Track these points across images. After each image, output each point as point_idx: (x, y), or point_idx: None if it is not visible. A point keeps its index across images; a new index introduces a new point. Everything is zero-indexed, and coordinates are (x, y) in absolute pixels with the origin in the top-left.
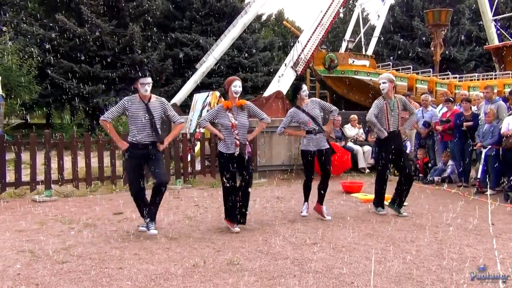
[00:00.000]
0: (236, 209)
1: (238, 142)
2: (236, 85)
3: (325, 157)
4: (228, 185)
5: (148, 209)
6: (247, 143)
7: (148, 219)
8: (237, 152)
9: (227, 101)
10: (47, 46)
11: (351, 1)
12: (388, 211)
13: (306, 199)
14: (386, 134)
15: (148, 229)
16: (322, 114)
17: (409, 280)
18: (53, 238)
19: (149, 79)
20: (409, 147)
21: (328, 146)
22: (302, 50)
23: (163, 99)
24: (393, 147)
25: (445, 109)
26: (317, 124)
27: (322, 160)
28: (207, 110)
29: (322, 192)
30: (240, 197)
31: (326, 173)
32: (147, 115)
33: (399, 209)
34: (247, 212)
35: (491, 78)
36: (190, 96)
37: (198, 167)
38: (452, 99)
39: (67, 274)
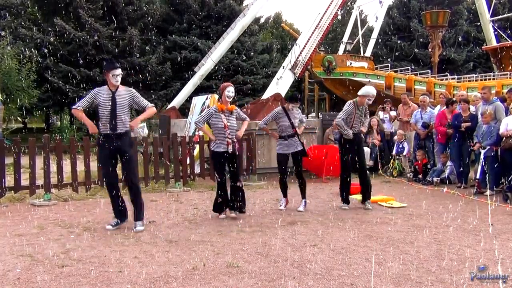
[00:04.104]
0: (224, 203)
1: (230, 141)
2: (230, 91)
3: (296, 159)
4: (219, 180)
5: (133, 211)
6: (236, 141)
7: (136, 221)
8: (231, 150)
9: (220, 105)
10: (45, 50)
11: (349, 3)
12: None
13: (285, 195)
14: (351, 136)
15: (135, 226)
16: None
17: (409, 281)
18: (53, 242)
19: (119, 70)
20: (407, 148)
21: (301, 148)
22: (300, 53)
23: (131, 88)
24: (355, 147)
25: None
26: (294, 130)
27: (295, 161)
28: None
29: (301, 188)
30: (231, 191)
31: (298, 173)
32: (110, 103)
33: (367, 204)
34: (243, 204)
35: (489, 79)
36: (189, 99)
37: (197, 169)
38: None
39: (67, 277)
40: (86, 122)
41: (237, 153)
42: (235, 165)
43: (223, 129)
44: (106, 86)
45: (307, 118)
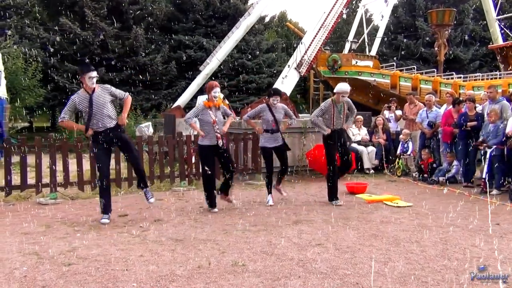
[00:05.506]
0: (214, 196)
1: (219, 135)
2: (216, 91)
3: (281, 151)
4: (209, 172)
5: (140, 183)
6: (223, 136)
7: (145, 189)
8: (221, 143)
9: (208, 102)
10: (51, 50)
11: (354, 2)
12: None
13: (270, 191)
14: (329, 131)
15: (148, 199)
16: (283, 118)
17: (414, 281)
18: (59, 241)
19: (95, 73)
20: (411, 147)
21: (282, 143)
22: (306, 52)
23: (105, 85)
24: (338, 142)
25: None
26: (277, 125)
27: (279, 154)
28: None
29: (280, 176)
30: (226, 179)
31: (284, 163)
32: (90, 106)
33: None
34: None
35: (495, 78)
36: (194, 98)
37: None
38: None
39: (73, 276)
40: (79, 128)
41: (226, 154)
42: (227, 158)
43: (211, 124)
44: (82, 89)
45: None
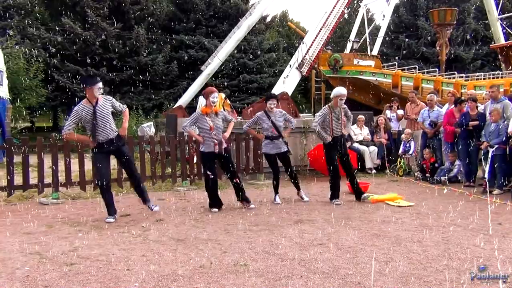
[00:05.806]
0: (217, 197)
1: (216, 142)
2: (214, 97)
3: (284, 159)
4: (212, 177)
5: (141, 198)
6: (223, 141)
7: (148, 202)
8: (217, 150)
9: (205, 108)
10: (53, 50)
11: (355, 2)
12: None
13: (276, 191)
14: (330, 139)
15: (152, 209)
16: (284, 124)
17: (416, 280)
18: (61, 240)
19: (101, 83)
20: (413, 147)
21: (286, 149)
22: (307, 51)
23: (107, 96)
24: (339, 149)
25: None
26: (278, 131)
27: (282, 161)
28: None
29: (294, 183)
30: (236, 188)
31: (290, 172)
32: (94, 117)
33: (364, 196)
34: (246, 196)
35: (497, 77)
36: (196, 98)
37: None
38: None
39: (75, 276)
40: (83, 140)
41: (226, 154)
42: (229, 164)
43: (209, 130)
44: (85, 100)
45: (314, 116)
